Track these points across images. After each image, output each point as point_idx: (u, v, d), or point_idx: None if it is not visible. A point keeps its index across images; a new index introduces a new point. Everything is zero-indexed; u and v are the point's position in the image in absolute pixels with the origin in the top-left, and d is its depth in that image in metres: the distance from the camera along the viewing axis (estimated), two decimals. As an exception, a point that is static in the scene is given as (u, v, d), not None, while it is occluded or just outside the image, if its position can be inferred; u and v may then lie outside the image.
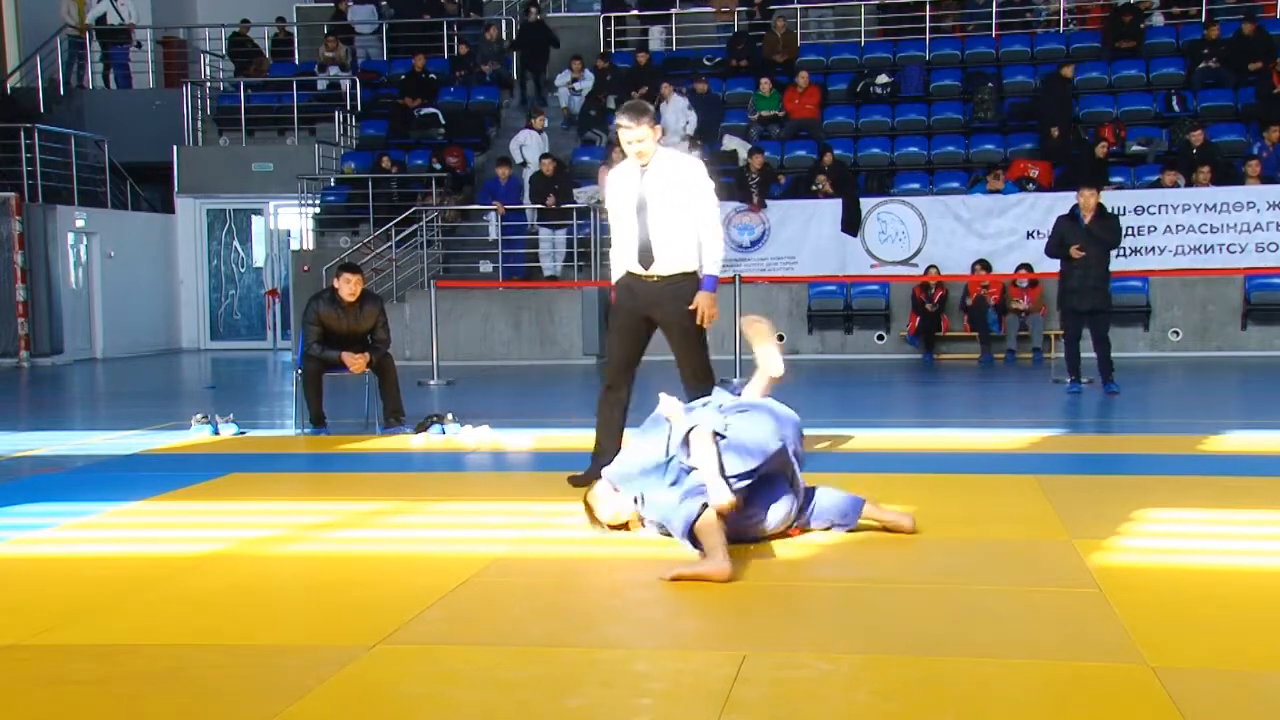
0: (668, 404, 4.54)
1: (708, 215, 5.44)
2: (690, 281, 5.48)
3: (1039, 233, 13.63)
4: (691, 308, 5.41)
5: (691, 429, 4.31)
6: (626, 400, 5.62)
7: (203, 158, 18.04)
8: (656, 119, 5.45)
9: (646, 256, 5.45)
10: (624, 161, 5.53)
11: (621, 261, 5.59)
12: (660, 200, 5.37)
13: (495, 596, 3.85)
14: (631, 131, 5.24)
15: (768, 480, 4.34)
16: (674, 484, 4.36)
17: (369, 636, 3.38)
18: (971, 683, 2.96)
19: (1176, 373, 12.33)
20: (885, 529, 4.53)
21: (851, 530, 4.52)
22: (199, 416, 8.11)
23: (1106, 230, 9.77)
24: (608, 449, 5.40)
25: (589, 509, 4.72)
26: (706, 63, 17.95)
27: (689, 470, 4.34)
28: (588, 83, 17.03)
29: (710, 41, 18.65)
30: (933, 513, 4.70)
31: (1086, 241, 9.67)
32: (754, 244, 15.12)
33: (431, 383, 11.74)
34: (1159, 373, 12.28)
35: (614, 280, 5.67)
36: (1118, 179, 14.93)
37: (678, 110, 16.18)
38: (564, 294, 14.86)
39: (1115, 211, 10.34)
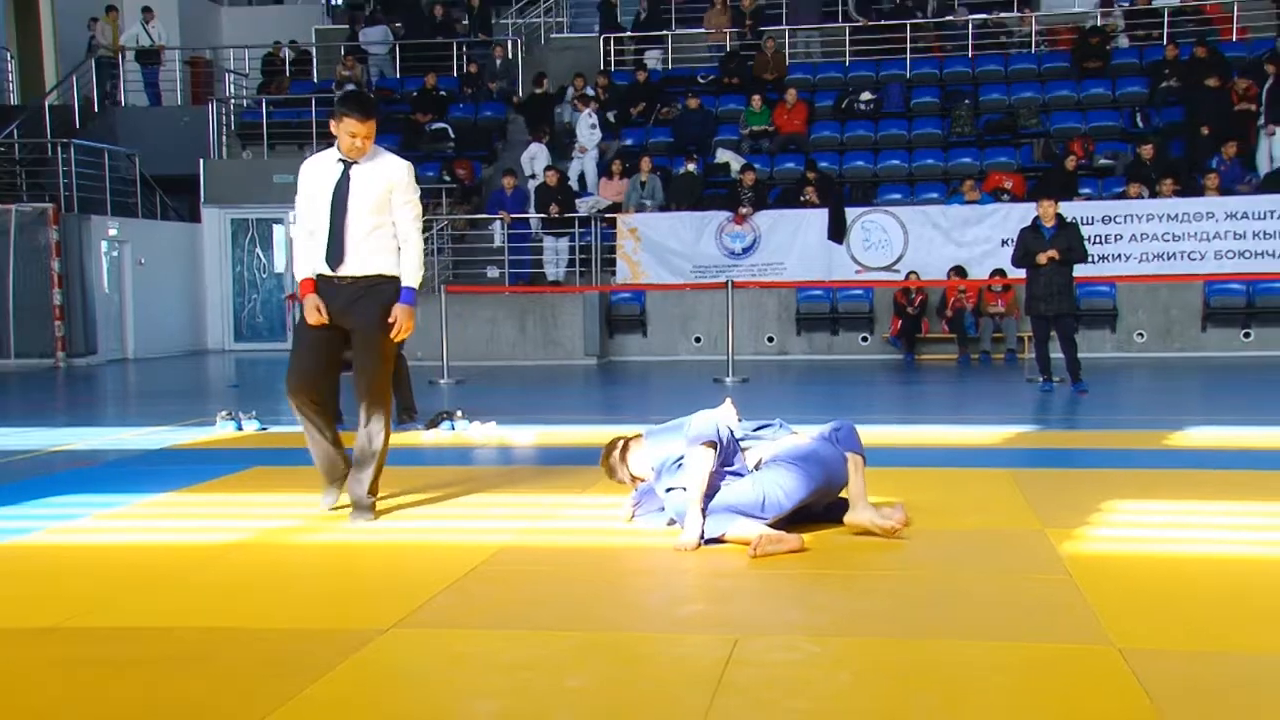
0: (701, 422, 4.34)
1: (409, 222, 4.76)
2: (388, 287, 4.74)
3: (1013, 240, 13.57)
4: (391, 320, 4.73)
5: (702, 443, 4.25)
6: (328, 403, 4.98)
7: (227, 170, 18.00)
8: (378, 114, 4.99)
9: (337, 255, 4.69)
10: (324, 153, 4.80)
11: (310, 261, 4.80)
12: (362, 197, 4.69)
13: (502, 583, 3.83)
14: (360, 126, 4.64)
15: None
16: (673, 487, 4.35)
17: (384, 620, 3.36)
18: (953, 664, 2.96)
19: (1142, 372, 12.25)
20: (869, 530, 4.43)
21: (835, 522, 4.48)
22: (224, 413, 8.10)
23: (1073, 245, 9.78)
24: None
25: (619, 449, 4.73)
26: (700, 80, 18.01)
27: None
28: (593, 120, 16.88)
29: (704, 60, 18.69)
30: (914, 504, 4.69)
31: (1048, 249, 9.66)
32: (745, 251, 15.10)
33: (442, 381, 11.77)
34: (1125, 372, 12.24)
35: (300, 282, 4.84)
36: (1086, 190, 14.97)
37: (585, 127, 16.33)
38: (567, 298, 14.80)
39: (1076, 221, 10.30)
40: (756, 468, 4.34)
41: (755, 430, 4.57)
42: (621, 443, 4.77)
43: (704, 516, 4.18)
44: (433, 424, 7.82)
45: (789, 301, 15.07)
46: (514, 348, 14.83)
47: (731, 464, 4.32)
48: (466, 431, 7.67)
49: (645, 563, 4.06)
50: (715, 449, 4.19)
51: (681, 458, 4.32)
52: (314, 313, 4.71)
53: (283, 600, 3.66)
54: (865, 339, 14.89)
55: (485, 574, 3.93)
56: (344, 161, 4.73)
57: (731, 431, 4.38)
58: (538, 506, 5.06)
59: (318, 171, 4.78)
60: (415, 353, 12.27)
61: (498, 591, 3.72)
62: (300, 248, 4.83)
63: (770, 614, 3.46)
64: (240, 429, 7.90)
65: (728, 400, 4.74)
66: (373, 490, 4.86)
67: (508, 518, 4.84)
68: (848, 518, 4.30)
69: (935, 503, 4.84)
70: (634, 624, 3.39)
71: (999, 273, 13.75)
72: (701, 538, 4.10)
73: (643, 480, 4.66)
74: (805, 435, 4.53)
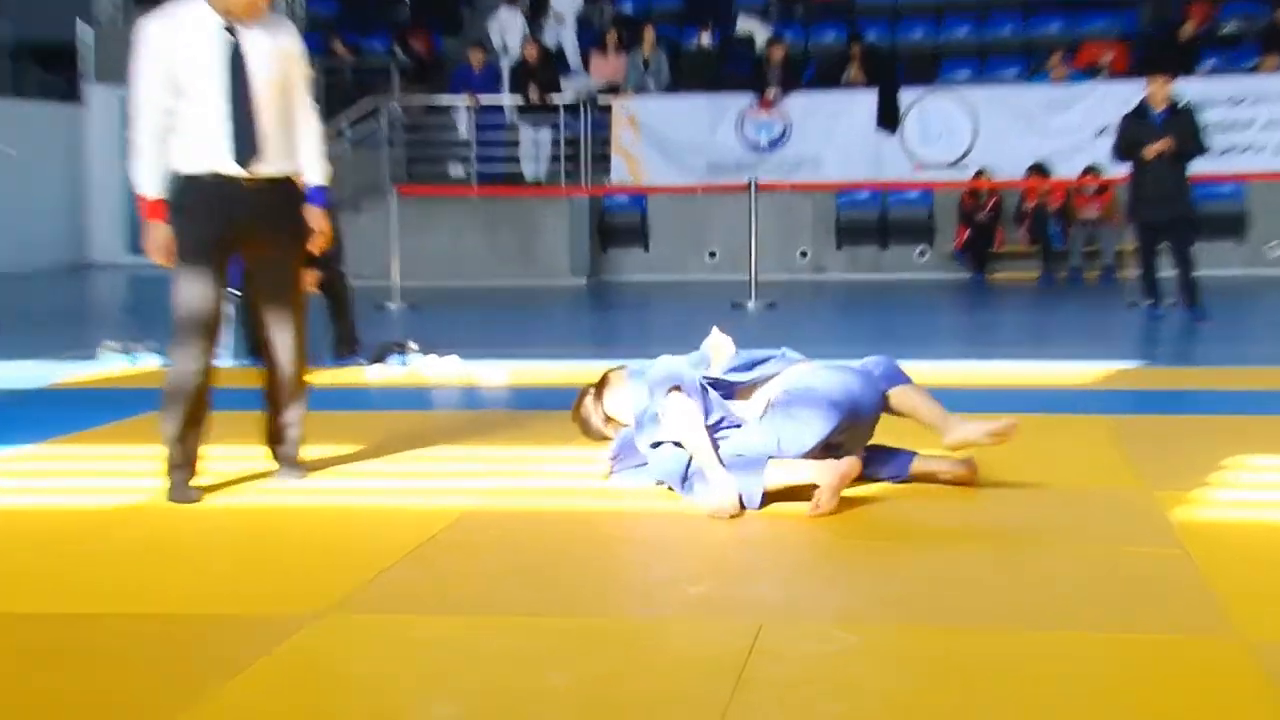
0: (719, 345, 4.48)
1: (310, 104, 4.66)
2: (297, 191, 4.64)
3: (1112, 130, 13.47)
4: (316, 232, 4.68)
5: (673, 388, 4.32)
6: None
7: (120, 39, 17.72)
8: None
9: (248, 147, 4.44)
10: (183, 9, 4.46)
11: (197, 156, 4.46)
12: (264, 71, 4.46)
13: (466, 555, 3.85)
14: None
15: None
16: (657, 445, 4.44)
17: (316, 603, 3.38)
18: (1029, 659, 2.94)
19: (1276, 295, 12.35)
20: (941, 481, 4.54)
21: (902, 481, 4.55)
22: (112, 344, 8.11)
23: (1189, 135, 9.70)
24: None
25: (593, 392, 4.82)
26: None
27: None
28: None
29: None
30: (986, 458, 4.65)
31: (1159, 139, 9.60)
32: (772, 145, 15.10)
33: (392, 306, 11.95)
34: (1255, 295, 12.44)
35: (176, 184, 4.52)
36: (1208, 64, 14.86)
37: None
38: (548, 203, 14.94)
39: (1193, 104, 10.19)
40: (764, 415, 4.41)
41: (754, 364, 4.60)
42: (595, 384, 4.87)
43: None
44: (378, 358, 7.92)
45: (827, 207, 15.12)
46: (482, 265, 14.86)
47: (722, 420, 4.38)
48: (421, 368, 7.76)
49: (644, 530, 4.09)
50: (684, 393, 4.28)
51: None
52: (164, 254, 4.46)
53: (189, 579, 3.68)
54: (923, 253, 14.97)
55: (446, 544, 3.95)
56: (230, 26, 4.44)
57: (714, 382, 4.46)
58: (511, 462, 5.11)
59: (186, 37, 4.41)
60: (358, 271, 12.28)
61: (461, 566, 3.75)
62: (147, 148, 4.44)
63: (801, 596, 3.48)
64: (134, 363, 7.92)
65: (715, 330, 4.80)
66: (301, 441, 4.89)
67: (473, 475, 4.88)
68: (947, 440, 4.40)
69: (1013, 457, 4.79)
70: (631, 607, 3.41)
71: (1092, 171, 13.76)
72: (741, 502, 4.17)
73: (625, 426, 4.75)
74: (820, 363, 4.60)
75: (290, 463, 4.87)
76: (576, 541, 3.99)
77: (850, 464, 4.19)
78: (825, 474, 4.16)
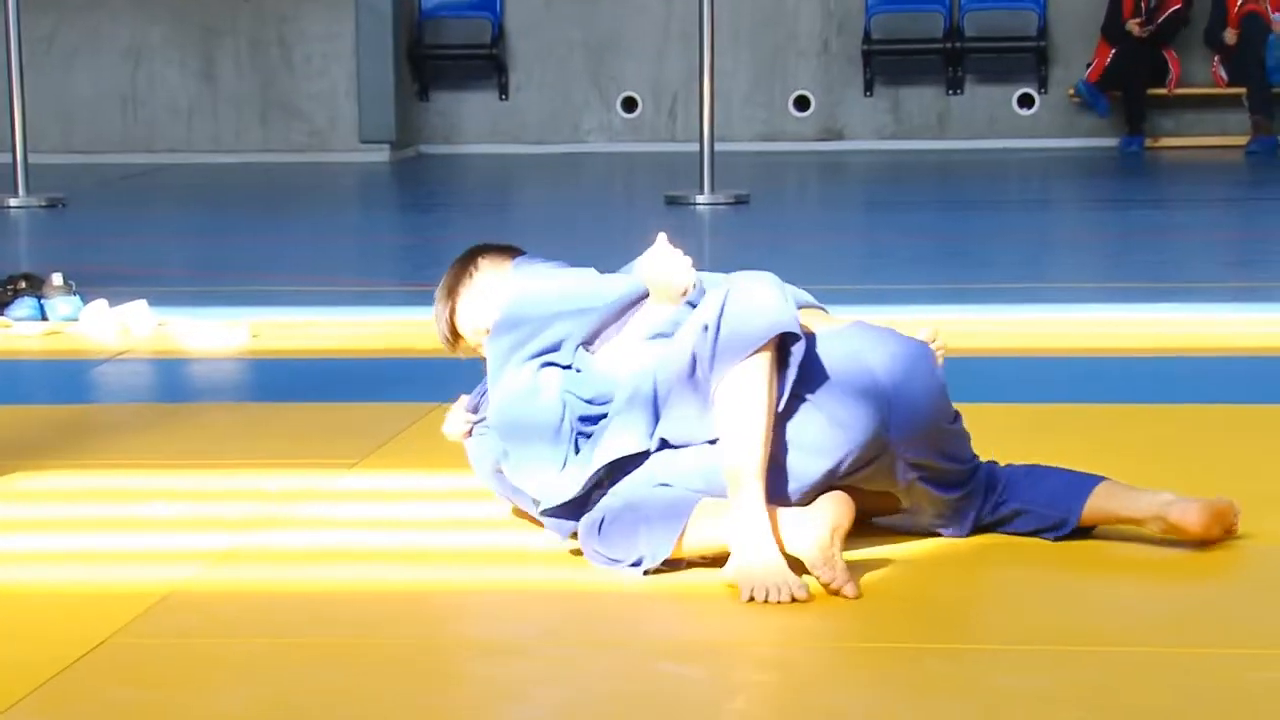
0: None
1: None
2: None
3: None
4: None
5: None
6: None
7: None
8: None
9: None
10: None
11: None
12: None
13: (162, 675, 3.80)
14: None
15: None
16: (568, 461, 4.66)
17: None
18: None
19: None
20: (1160, 532, 4.51)
21: (1063, 537, 4.54)
22: None
23: None
24: None
25: (449, 284, 4.95)
26: None
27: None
28: None
29: None
30: (1137, 474, 4.70)
31: None
32: None
33: (13, 203, 12.31)
34: None
35: None
36: None
37: None
38: (311, 3, 14.94)
39: None
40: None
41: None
42: (473, 261, 5.07)
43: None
44: None
45: (848, 9, 14.98)
46: (188, 120, 15.02)
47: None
48: (77, 323, 7.91)
49: (483, 620, 4.27)
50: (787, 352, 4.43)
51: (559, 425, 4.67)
52: None
53: None
54: (1029, 100, 14.88)
55: (124, 656, 3.91)
56: None
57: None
58: (259, 498, 5.16)
59: None
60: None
61: (153, 699, 3.67)
62: None
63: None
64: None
65: (662, 238, 4.80)
66: None
67: (180, 525, 4.94)
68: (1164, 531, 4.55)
69: (1205, 482, 4.76)
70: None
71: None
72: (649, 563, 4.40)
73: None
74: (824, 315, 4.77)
75: None
76: (362, 657, 3.96)
77: (837, 510, 4.19)
78: (802, 531, 4.21)
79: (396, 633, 4.18)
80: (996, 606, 4.44)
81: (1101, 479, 4.60)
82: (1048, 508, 4.61)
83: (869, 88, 15.06)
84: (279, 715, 3.66)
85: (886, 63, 15.08)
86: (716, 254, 9.56)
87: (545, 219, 12.05)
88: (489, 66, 15.42)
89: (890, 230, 11.31)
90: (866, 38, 14.92)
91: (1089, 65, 14.55)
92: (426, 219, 12.59)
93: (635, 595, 4.37)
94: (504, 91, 15.41)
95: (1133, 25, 14.19)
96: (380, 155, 14.76)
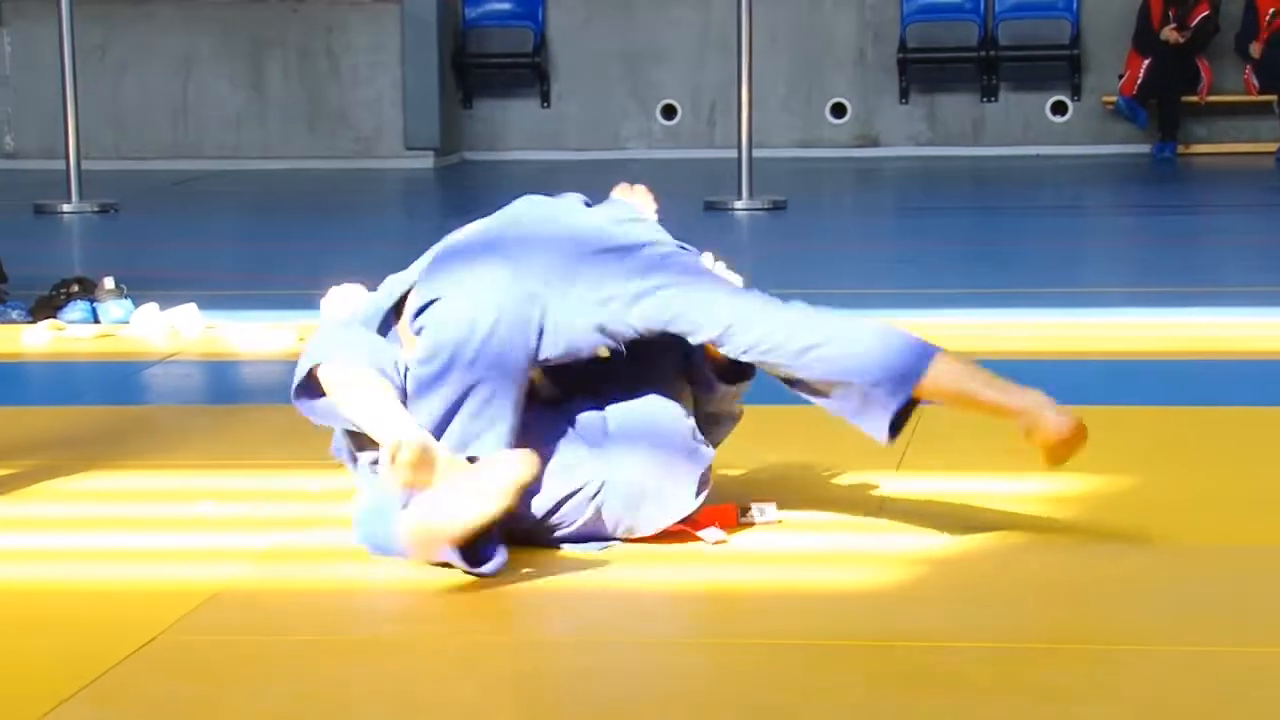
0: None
1: None
2: None
3: None
4: None
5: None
6: None
7: None
8: None
9: None
10: None
11: None
12: None
13: (211, 672, 3.82)
14: None
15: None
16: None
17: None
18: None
19: None
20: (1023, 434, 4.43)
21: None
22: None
23: None
24: None
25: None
26: None
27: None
28: None
29: None
30: (1170, 491, 4.83)
31: None
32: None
33: (66, 208, 11.99)
34: None
35: None
36: None
37: None
38: (358, 12, 14.85)
39: None
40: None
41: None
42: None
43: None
44: (47, 310, 8.00)
45: (884, 19, 15.00)
46: (238, 127, 14.94)
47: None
48: (129, 326, 7.85)
49: (528, 616, 4.27)
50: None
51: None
52: None
53: None
54: (1063, 107, 14.82)
55: (176, 652, 3.94)
56: None
57: None
58: (298, 498, 5.16)
59: None
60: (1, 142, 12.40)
61: (203, 692, 3.69)
62: None
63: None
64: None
65: (638, 191, 4.87)
66: None
67: (230, 525, 4.92)
68: (1026, 426, 4.42)
69: (1221, 487, 4.92)
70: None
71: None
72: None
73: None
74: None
75: None
76: (407, 653, 4.00)
77: (518, 464, 4.24)
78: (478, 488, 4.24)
79: (441, 629, 4.24)
80: (996, 606, 4.33)
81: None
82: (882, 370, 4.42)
83: (904, 95, 15.08)
84: (326, 710, 3.71)
85: (922, 70, 15.10)
86: (755, 259, 9.24)
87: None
88: (531, 75, 15.43)
89: (925, 235, 11.28)
90: (902, 46, 14.96)
91: (1120, 76, 14.51)
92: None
93: (680, 595, 4.39)
94: (546, 99, 15.43)
95: (1169, 33, 14.12)
96: (425, 162, 14.75)
